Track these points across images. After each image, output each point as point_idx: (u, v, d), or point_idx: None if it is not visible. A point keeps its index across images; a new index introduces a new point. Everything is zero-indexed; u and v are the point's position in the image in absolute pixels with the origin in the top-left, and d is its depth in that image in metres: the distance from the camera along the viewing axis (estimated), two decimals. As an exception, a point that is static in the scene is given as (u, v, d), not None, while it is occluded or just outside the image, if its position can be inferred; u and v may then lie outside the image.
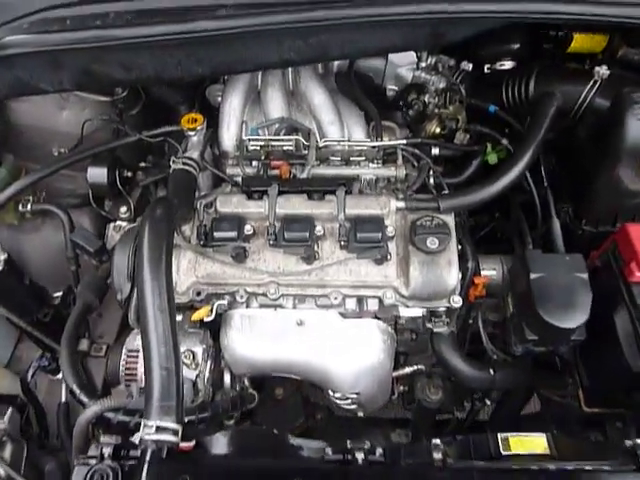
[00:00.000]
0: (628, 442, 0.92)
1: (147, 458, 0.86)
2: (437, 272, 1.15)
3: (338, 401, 1.30)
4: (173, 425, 0.89)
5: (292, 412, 1.57)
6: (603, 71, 1.28)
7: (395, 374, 1.35)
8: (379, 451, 0.90)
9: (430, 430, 1.66)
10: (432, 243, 1.15)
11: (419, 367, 1.41)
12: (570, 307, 1.08)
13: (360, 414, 1.38)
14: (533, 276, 1.11)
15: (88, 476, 0.85)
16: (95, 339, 1.39)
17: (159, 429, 0.87)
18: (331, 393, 1.27)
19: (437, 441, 0.91)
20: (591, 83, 1.29)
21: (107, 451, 0.88)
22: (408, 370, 1.40)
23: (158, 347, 0.91)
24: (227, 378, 1.30)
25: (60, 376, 1.31)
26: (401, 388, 1.50)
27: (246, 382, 1.35)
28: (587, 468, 0.89)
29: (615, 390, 1.17)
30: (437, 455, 0.90)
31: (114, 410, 1.09)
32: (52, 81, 1.15)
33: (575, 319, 1.07)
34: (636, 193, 1.20)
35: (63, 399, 1.34)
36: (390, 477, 0.85)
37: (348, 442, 0.91)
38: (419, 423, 1.64)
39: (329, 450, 0.92)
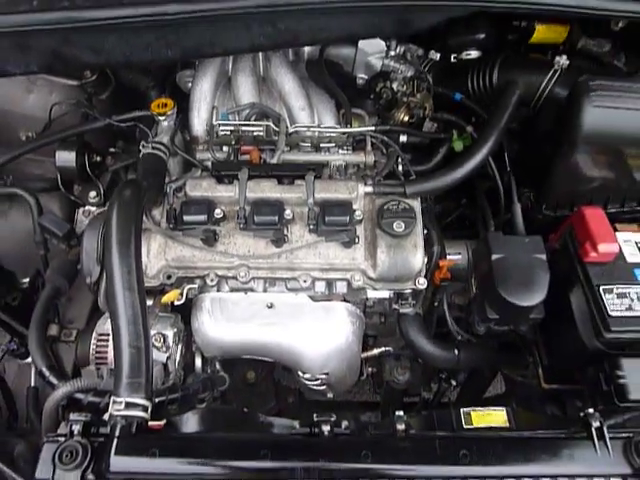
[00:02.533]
0: (582, 413, 0.95)
1: (116, 433, 0.87)
2: (403, 255, 1.18)
3: (308, 382, 1.33)
4: (142, 401, 0.91)
5: (263, 395, 1.61)
6: (563, 61, 1.32)
7: (364, 355, 1.38)
8: (345, 424, 0.93)
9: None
10: (398, 226, 1.18)
11: (387, 349, 1.45)
12: (529, 286, 1.11)
13: (330, 395, 1.43)
14: (494, 257, 1.14)
15: (57, 453, 0.85)
16: (65, 324, 1.37)
17: (128, 405, 0.89)
18: (301, 374, 1.31)
19: (401, 413, 0.94)
20: (551, 73, 1.33)
21: (77, 428, 0.89)
22: (376, 351, 1.43)
23: (127, 326, 0.93)
24: (198, 361, 1.32)
25: (29, 360, 1.29)
26: (370, 370, 1.53)
27: (217, 365, 1.36)
28: (541, 436, 0.93)
29: (572, 367, 1.22)
30: (400, 426, 0.92)
31: (84, 391, 1.10)
32: (19, 63, 1.14)
33: (533, 298, 1.10)
34: (592, 179, 1.24)
35: (32, 383, 1.32)
36: (353, 447, 0.87)
37: (315, 416, 0.93)
38: (387, 404, 1.67)
39: (296, 424, 0.94)
